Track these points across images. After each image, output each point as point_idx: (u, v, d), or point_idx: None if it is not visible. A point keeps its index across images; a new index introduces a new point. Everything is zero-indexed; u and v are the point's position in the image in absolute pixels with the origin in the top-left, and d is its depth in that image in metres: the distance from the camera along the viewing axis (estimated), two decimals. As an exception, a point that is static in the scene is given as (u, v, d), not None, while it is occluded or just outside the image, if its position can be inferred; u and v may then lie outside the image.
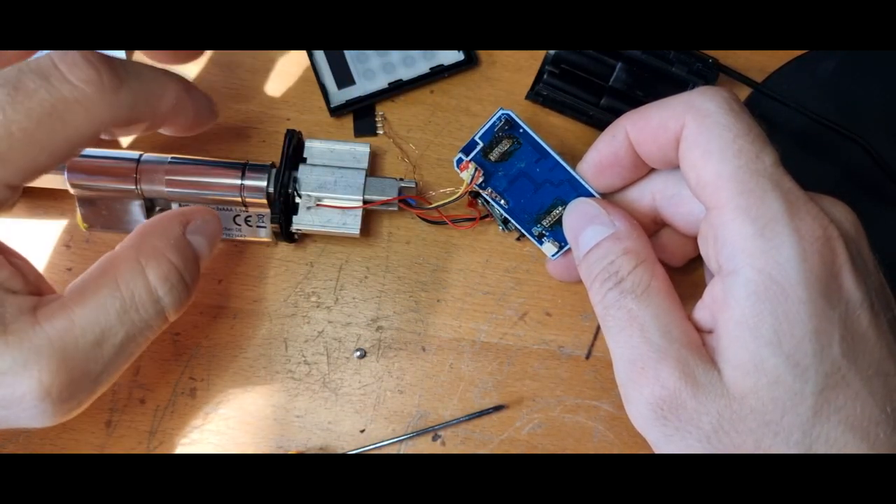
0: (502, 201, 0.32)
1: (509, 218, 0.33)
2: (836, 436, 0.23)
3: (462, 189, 0.32)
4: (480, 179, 0.32)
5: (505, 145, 0.31)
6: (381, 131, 0.37)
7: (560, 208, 0.32)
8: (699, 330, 0.27)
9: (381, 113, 0.37)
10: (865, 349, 0.24)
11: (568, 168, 0.31)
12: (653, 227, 0.32)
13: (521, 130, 0.31)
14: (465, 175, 0.31)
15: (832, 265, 0.24)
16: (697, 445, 0.25)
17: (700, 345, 0.26)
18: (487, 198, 0.32)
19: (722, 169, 0.25)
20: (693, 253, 0.33)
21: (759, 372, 0.24)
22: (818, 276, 0.24)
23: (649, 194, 0.31)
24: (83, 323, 0.26)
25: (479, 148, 0.31)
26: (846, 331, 0.24)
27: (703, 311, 0.27)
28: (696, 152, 0.26)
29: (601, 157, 0.31)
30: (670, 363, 0.25)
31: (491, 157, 0.31)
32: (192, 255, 0.29)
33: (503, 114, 0.31)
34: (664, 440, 0.26)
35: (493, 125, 0.31)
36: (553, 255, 0.33)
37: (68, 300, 0.27)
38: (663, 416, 0.25)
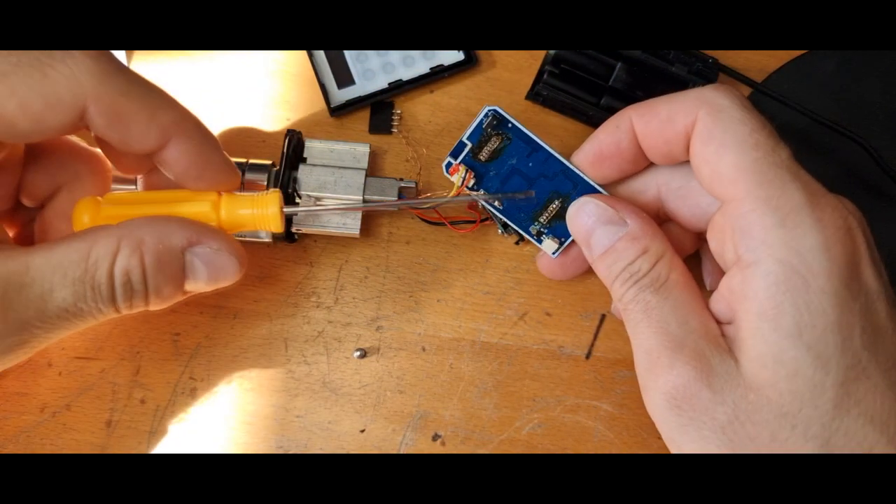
0: (496, 202, 0.32)
1: (507, 221, 0.32)
2: (855, 428, 0.23)
3: (452, 193, 0.32)
4: (472, 182, 0.31)
5: (494, 143, 0.30)
6: (395, 129, 0.37)
7: (557, 202, 0.31)
8: (717, 321, 0.27)
9: (398, 111, 0.37)
10: (884, 341, 0.24)
11: (561, 159, 0.31)
12: (656, 221, 0.32)
13: (509, 125, 0.30)
14: (456, 178, 0.31)
15: (853, 255, 0.24)
16: (712, 437, 0.24)
17: (718, 335, 0.26)
18: (482, 200, 0.32)
19: (740, 161, 0.25)
20: (691, 249, 0.33)
21: (778, 364, 0.24)
22: (840, 266, 0.24)
23: (654, 187, 0.31)
24: (36, 273, 0.25)
25: (467, 149, 0.30)
26: (867, 322, 0.24)
27: (720, 302, 0.27)
28: (711, 145, 0.26)
29: (602, 148, 0.30)
30: (687, 353, 0.25)
31: (481, 157, 0.31)
32: (173, 270, 0.28)
33: (490, 110, 0.30)
34: (678, 431, 0.25)
35: (481, 123, 0.30)
36: (554, 253, 0.32)
37: (36, 247, 0.26)
38: (678, 406, 0.25)
